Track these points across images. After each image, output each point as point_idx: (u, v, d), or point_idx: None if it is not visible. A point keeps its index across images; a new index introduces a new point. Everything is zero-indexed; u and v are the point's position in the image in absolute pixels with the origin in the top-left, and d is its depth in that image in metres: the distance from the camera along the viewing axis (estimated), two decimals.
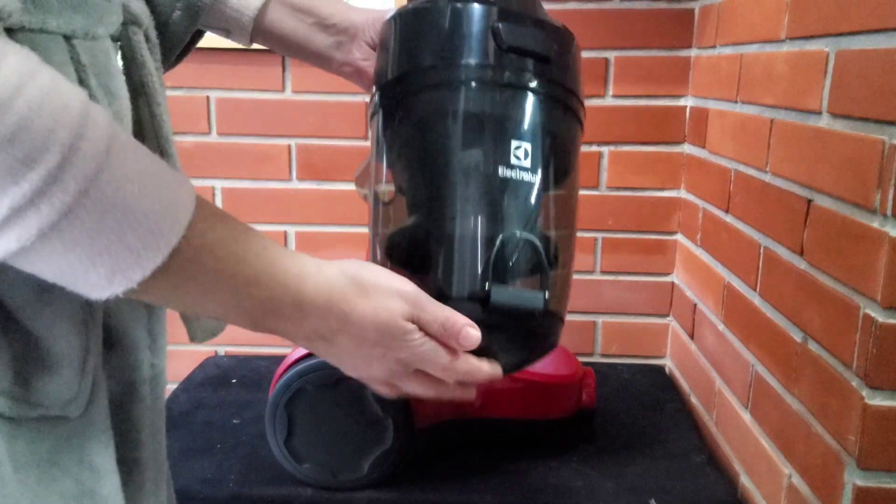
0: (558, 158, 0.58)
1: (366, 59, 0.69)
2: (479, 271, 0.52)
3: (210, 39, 1.26)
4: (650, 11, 1.23)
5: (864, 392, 0.65)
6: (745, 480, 0.94)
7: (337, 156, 1.31)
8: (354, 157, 1.31)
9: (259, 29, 0.68)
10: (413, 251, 0.56)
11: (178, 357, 1.39)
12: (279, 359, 0.94)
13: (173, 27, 0.58)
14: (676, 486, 0.93)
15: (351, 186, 1.33)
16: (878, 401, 0.64)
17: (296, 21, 0.67)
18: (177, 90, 1.29)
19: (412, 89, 0.55)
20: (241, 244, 0.42)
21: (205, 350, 1.39)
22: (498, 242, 0.52)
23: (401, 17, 0.59)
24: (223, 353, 1.39)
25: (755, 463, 0.91)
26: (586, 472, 0.95)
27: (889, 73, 0.63)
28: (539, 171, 0.54)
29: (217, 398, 1.17)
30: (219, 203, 1.33)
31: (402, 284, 0.49)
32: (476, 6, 0.55)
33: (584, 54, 1.26)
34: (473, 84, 0.54)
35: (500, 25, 0.54)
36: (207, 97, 1.29)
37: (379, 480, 0.90)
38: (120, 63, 0.49)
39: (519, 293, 0.52)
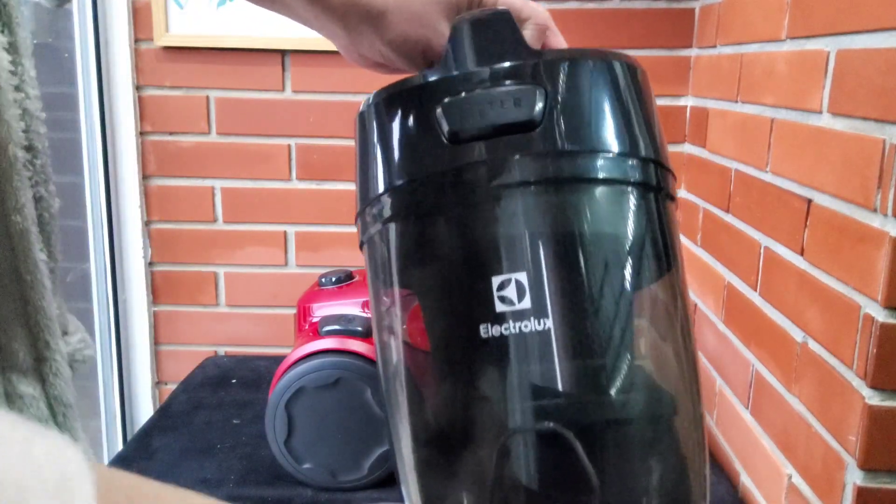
0: (599, 270, 0.35)
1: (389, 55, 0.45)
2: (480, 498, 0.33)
3: (210, 39, 1.26)
4: (650, 11, 1.23)
5: (865, 392, 0.65)
6: (745, 480, 0.94)
7: (337, 156, 1.31)
8: (354, 157, 1.31)
9: None
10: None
11: (178, 357, 1.39)
12: (279, 359, 0.94)
13: None
14: None
15: (351, 186, 1.33)
16: (879, 401, 0.64)
17: None
18: (176, 90, 1.29)
19: (367, 221, 0.39)
20: None
21: (205, 350, 1.39)
22: (499, 447, 0.33)
23: (362, 116, 0.42)
24: (223, 354, 1.39)
25: (755, 463, 0.90)
26: None
27: (890, 73, 0.63)
28: (556, 308, 0.33)
29: (217, 398, 1.16)
30: (218, 203, 1.33)
31: None
32: (413, 85, 0.38)
33: None
34: (421, 207, 0.36)
35: (441, 107, 0.35)
36: (207, 97, 1.29)
37: (379, 480, 0.90)
38: None
39: None
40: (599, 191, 0.36)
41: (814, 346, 0.75)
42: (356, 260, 1.32)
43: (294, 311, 1.30)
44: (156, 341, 1.39)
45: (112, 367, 1.37)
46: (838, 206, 0.71)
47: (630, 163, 0.36)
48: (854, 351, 0.67)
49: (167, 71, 1.28)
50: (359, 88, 1.28)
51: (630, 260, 0.36)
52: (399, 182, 0.37)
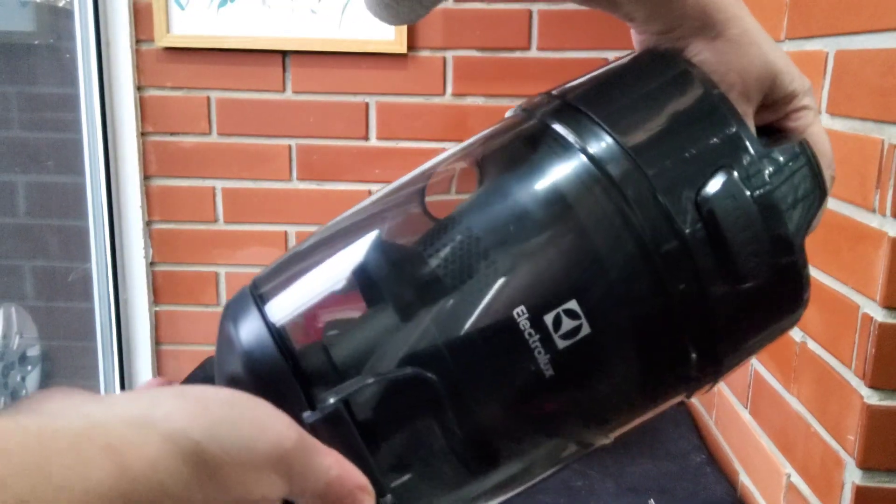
0: (612, 382, 0.34)
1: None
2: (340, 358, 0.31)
3: (211, 40, 1.26)
4: None
5: (864, 392, 0.65)
6: (744, 480, 0.94)
7: (337, 156, 1.32)
8: (354, 157, 1.32)
9: None
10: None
11: (179, 357, 1.39)
12: None
13: None
14: (676, 485, 0.92)
15: (351, 186, 1.33)
16: (877, 400, 0.64)
17: None
18: (177, 90, 1.30)
19: (555, 137, 0.34)
20: None
21: (206, 350, 1.39)
22: (406, 372, 0.31)
23: (653, 60, 0.38)
24: None
25: (755, 462, 0.91)
26: (586, 472, 0.95)
27: (888, 74, 0.63)
28: (563, 363, 0.32)
29: None
30: (219, 203, 1.34)
31: (274, 438, 0.27)
32: (732, 130, 0.34)
33: (584, 54, 1.26)
34: (615, 196, 0.32)
35: (727, 171, 0.33)
36: (208, 97, 1.30)
37: None
38: None
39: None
40: (687, 377, 0.35)
41: (812, 345, 0.75)
42: None
43: None
44: (157, 341, 1.39)
45: (113, 367, 1.37)
46: (837, 207, 0.71)
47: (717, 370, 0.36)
48: (853, 351, 0.67)
49: (168, 71, 1.29)
50: (359, 89, 1.29)
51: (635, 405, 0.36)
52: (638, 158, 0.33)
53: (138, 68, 1.29)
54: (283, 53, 1.27)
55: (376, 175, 1.32)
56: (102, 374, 1.38)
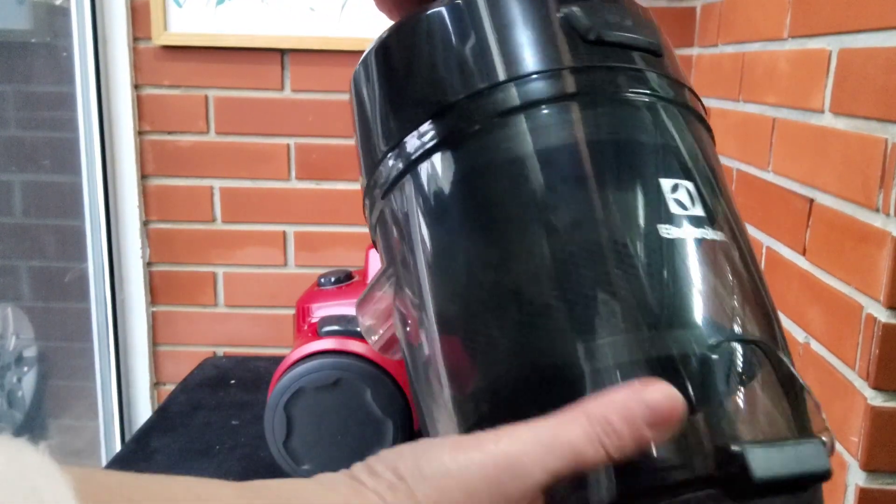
0: (726, 194, 0.35)
1: None
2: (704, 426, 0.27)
3: (209, 38, 1.26)
4: (651, 10, 1.23)
5: (867, 393, 0.64)
6: None
7: (336, 155, 1.31)
8: (354, 156, 1.31)
9: None
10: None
11: (176, 358, 1.38)
12: (278, 359, 0.94)
13: None
14: None
15: (350, 185, 1.32)
16: (881, 402, 0.64)
17: None
18: (174, 89, 1.29)
19: (462, 133, 0.33)
20: None
21: (203, 351, 1.38)
22: (696, 359, 0.28)
23: (416, 25, 0.38)
24: (222, 354, 1.38)
25: None
26: None
27: (891, 72, 0.63)
28: (718, 221, 0.31)
29: (216, 399, 1.16)
30: (217, 203, 1.33)
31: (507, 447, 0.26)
32: None
33: None
34: (567, 100, 0.32)
35: (573, 10, 0.34)
36: (206, 96, 1.29)
37: None
38: None
39: (787, 449, 0.27)
40: (701, 119, 0.38)
41: (816, 346, 0.75)
42: (356, 260, 1.32)
43: (293, 311, 1.29)
44: (154, 342, 1.38)
45: (110, 368, 1.36)
46: (840, 206, 0.71)
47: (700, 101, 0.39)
48: (856, 351, 0.66)
49: (166, 70, 1.28)
50: None
51: (725, 182, 0.38)
52: (538, 68, 0.33)
53: (135, 66, 1.28)
54: (282, 52, 1.27)
55: None
56: (99, 375, 1.37)
